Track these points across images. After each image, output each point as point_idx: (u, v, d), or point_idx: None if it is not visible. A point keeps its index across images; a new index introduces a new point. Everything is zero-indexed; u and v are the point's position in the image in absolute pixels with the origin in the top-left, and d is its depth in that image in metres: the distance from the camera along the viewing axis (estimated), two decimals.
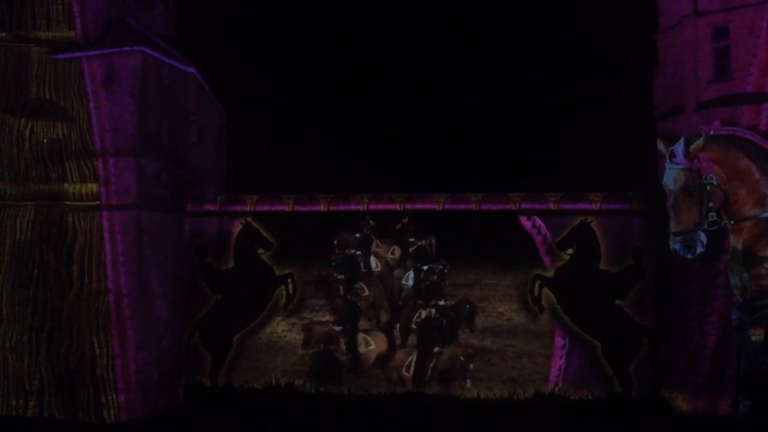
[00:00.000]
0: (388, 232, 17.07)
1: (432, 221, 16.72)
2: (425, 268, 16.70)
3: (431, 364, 16.16)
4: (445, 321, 16.29)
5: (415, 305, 16.66)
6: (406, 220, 16.92)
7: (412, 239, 16.97)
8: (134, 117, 15.57)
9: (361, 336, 16.77)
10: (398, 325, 16.76)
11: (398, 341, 16.68)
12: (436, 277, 16.48)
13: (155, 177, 16.02)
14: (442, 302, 16.37)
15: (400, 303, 16.94)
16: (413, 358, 16.31)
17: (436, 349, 16.17)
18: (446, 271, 16.63)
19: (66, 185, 15.65)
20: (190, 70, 17.03)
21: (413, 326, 16.47)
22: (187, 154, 17.14)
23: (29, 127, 15.66)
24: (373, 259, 17.29)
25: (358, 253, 17.12)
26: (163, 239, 16.11)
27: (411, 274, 16.95)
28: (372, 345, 16.75)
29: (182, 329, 16.62)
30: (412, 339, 16.54)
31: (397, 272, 17.13)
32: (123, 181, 15.49)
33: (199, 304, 16.87)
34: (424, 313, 16.36)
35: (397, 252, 17.20)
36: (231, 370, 16.72)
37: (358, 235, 17.16)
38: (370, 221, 17.11)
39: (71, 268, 15.49)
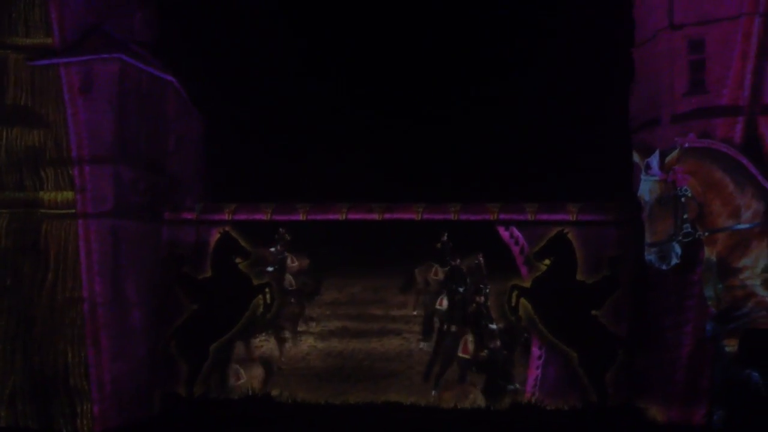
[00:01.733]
0: (433, 251, 16.48)
1: (411, 231, 16.72)
2: (461, 290, 16.37)
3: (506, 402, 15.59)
4: (506, 351, 15.81)
5: (449, 331, 16.19)
6: (445, 237, 16.47)
7: (456, 259, 16.44)
8: (112, 125, 15.47)
9: (233, 367, 16.43)
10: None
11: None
12: (483, 298, 16.09)
13: (132, 185, 15.92)
14: (494, 326, 15.89)
15: (442, 329, 16.27)
16: (474, 397, 15.87)
17: (511, 387, 15.72)
18: (488, 291, 16.22)
19: (42, 193, 15.51)
20: (169, 78, 16.97)
21: (461, 357, 15.93)
22: (165, 163, 17.05)
23: (5, 133, 15.49)
24: (288, 277, 16.96)
25: (269, 269, 16.79)
26: (139, 248, 16.01)
27: (444, 297, 16.57)
28: (243, 378, 16.41)
29: (158, 338, 16.49)
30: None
31: (427, 297, 16.56)
32: (99, 189, 15.37)
33: (176, 313, 16.74)
34: (470, 341, 15.85)
35: (440, 272, 16.79)
36: (207, 379, 16.62)
37: (272, 249, 16.84)
38: (286, 235, 16.71)
39: (46, 276, 15.33)
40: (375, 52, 18.70)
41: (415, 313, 16.70)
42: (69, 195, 15.44)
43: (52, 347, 15.17)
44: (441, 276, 16.67)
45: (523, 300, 16.06)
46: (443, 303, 16.50)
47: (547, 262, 16.04)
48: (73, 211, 15.39)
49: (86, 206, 15.35)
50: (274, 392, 16.45)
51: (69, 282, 15.27)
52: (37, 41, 15.63)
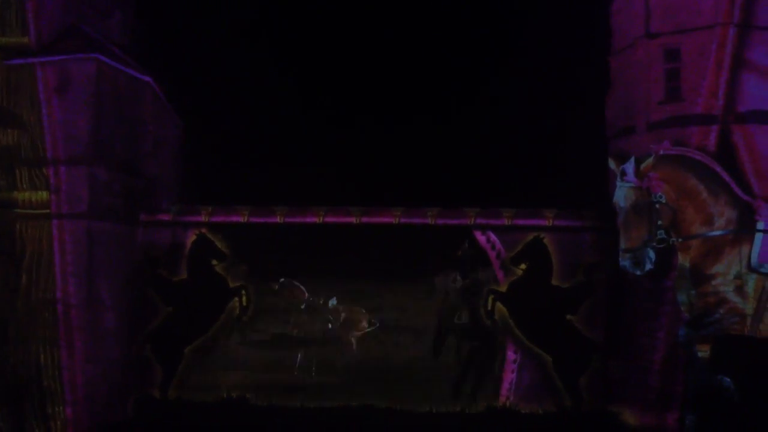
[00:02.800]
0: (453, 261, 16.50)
1: (388, 235, 16.72)
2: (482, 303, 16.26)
3: None
4: None
5: (474, 346, 16.13)
6: (467, 245, 16.44)
7: (477, 269, 16.36)
8: (87, 125, 15.35)
9: None
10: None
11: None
12: None
13: (107, 186, 15.81)
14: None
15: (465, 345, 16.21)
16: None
17: None
18: None
19: (16, 193, 15.36)
20: (147, 79, 16.88)
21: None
22: (141, 164, 16.95)
23: None
24: None
25: None
26: (114, 249, 15.90)
27: (464, 311, 16.44)
28: None
29: (132, 341, 16.38)
30: None
31: (443, 310, 16.41)
32: (74, 189, 15.24)
33: (151, 316, 16.65)
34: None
35: (459, 282, 16.75)
36: (182, 383, 16.53)
37: None
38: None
39: (20, 277, 15.19)
40: (355, 57, 18.72)
41: None
42: (44, 195, 15.31)
43: (25, 348, 15.02)
44: (459, 285, 16.52)
45: (498, 304, 16.16)
46: (463, 317, 16.37)
47: (523, 266, 16.15)
48: (48, 211, 15.25)
49: (61, 207, 15.22)
50: (249, 395, 16.38)
51: (43, 283, 15.13)
52: (12, 40, 15.49)
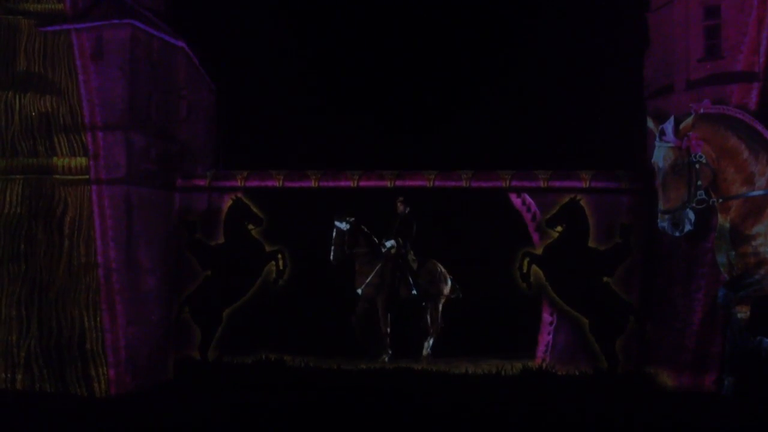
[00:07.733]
0: None
1: (423, 198, 16.71)
2: None
3: None
4: None
5: None
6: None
7: None
8: (123, 91, 15.47)
9: None
10: None
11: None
12: None
13: (144, 152, 15.96)
14: None
15: None
16: None
17: None
18: None
19: (55, 159, 15.58)
20: (180, 43, 16.91)
21: None
22: (176, 129, 17.06)
23: (18, 99, 15.54)
24: None
25: None
26: (152, 214, 16.09)
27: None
28: None
29: (172, 304, 16.65)
30: None
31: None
32: (112, 155, 15.43)
33: (189, 279, 16.88)
34: None
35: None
36: (221, 344, 16.79)
37: None
38: None
39: (61, 242, 15.47)
40: (389, 18, 18.54)
41: None
42: (82, 161, 15.51)
43: (67, 312, 15.35)
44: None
45: (534, 267, 16.12)
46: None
47: (559, 229, 16.06)
48: (87, 177, 15.47)
49: (99, 172, 15.42)
50: (287, 357, 16.59)
51: (83, 248, 15.39)
52: (48, 7, 15.61)
